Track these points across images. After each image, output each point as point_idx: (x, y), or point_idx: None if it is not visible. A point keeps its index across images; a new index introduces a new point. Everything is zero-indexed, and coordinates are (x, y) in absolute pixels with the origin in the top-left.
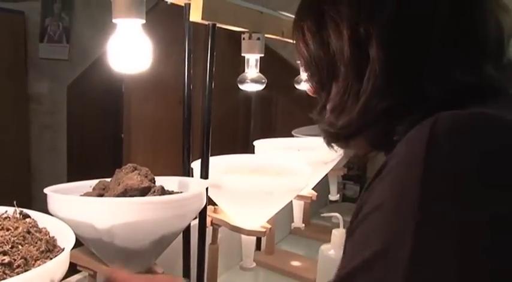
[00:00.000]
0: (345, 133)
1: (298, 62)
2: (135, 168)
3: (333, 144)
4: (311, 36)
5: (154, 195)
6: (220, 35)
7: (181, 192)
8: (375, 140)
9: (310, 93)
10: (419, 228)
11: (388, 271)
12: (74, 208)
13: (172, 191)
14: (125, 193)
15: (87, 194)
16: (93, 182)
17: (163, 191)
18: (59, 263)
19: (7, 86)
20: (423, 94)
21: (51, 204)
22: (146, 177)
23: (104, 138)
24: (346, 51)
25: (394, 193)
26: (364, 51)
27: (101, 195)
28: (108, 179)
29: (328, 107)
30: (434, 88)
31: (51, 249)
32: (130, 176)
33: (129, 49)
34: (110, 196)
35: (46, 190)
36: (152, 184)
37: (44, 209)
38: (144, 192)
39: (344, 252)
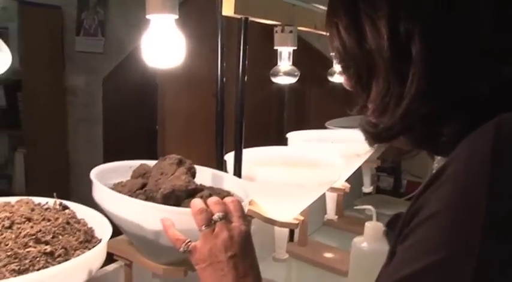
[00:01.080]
0: (387, 135)
1: (334, 59)
2: (180, 161)
3: (374, 143)
4: (347, 34)
5: (202, 200)
6: (254, 28)
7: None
8: (418, 140)
9: (348, 88)
10: (487, 239)
11: (453, 280)
12: (122, 206)
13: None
14: (172, 193)
15: (130, 185)
16: (133, 163)
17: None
18: (97, 253)
19: (45, 80)
20: (470, 93)
21: (98, 195)
22: (190, 170)
23: (139, 130)
24: (386, 51)
25: (458, 202)
26: (406, 52)
27: (144, 185)
28: (149, 162)
29: (369, 106)
30: (482, 86)
31: (89, 239)
32: (178, 176)
33: (162, 45)
34: (154, 191)
35: (92, 176)
36: (199, 186)
37: (83, 199)
38: (190, 193)
39: (390, 257)
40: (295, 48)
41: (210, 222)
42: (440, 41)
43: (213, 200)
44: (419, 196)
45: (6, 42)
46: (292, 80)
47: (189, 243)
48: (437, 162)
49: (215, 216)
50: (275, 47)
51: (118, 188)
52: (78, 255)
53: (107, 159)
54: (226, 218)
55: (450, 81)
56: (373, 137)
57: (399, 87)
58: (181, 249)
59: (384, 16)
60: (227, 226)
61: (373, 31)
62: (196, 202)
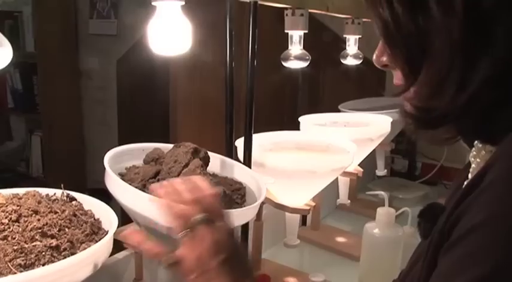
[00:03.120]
0: (440, 121)
1: (379, 33)
2: (195, 151)
3: (420, 129)
4: (401, 6)
5: None
6: (270, 12)
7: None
8: (469, 129)
9: (380, 67)
10: None
11: None
12: (136, 201)
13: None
14: None
15: (143, 173)
16: (146, 146)
17: (224, 195)
18: (103, 247)
19: (60, 63)
20: None
21: (111, 185)
22: (204, 160)
23: (153, 112)
24: (457, 32)
25: (494, 215)
26: (482, 34)
27: (157, 172)
28: (163, 146)
29: (418, 90)
30: None
31: (96, 231)
32: (192, 169)
33: (168, 32)
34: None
35: (106, 160)
36: (214, 181)
37: (99, 181)
38: None
39: (431, 266)
40: (306, 31)
41: (190, 226)
42: None
43: (187, 196)
44: (461, 199)
45: (20, 25)
46: (303, 64)
47: (172, 255)
48: (477, 150)
49: (195, 219)
50: (286, 31)
51: (131, 174)
52: (84, 248)
53: (122, 141)
54: (207, 218)
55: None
56: (421, 122)
57: (465, 71)
58: (165, 263)
59: None
60: (211, 228)
61: (443, 6)
62: (170, 204)
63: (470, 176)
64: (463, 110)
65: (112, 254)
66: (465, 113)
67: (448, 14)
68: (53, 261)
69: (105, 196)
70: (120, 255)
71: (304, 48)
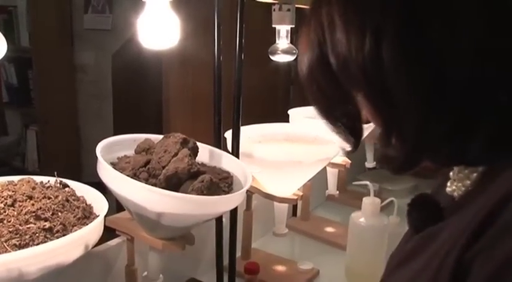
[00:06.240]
0: (409, 166)
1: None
2: (184, 141)
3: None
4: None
5: (203, 184)
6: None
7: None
8: (445, 161)
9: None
10: None
11: None
12: (127, 188)
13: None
14: (175, 175)
15: (134, 162)
16: (137, 137)
17: (211, 182)
18: (94, 229)
19: (55, 57)
20: (492, 102)
21: (103, 173)
22: (193, 150)
23: (146, 105)
24: (362, 63)
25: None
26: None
27: (148, 161)
28: (153, 137)
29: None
30: (502, 94)
31: (87, 216)
32: (181, 158)
33: (156, 26)
34: (157, 168)
35: (98, 150)
36: (201, 169)
37: (94, 175)
38: (192, 176)
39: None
40: (293, 26)
41: None
42: (416, 44)
43: None
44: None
45: (15, 20)
46: (290, 58)
47: None
48: (458, 169)
49: None
50: (273, 25)
51: (122, 163)
52: (76, 230)
53: (117, 134)
54: None
55: (456, 92)
56: (395, 170)
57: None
58: None
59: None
60: None
61: (345, 45)
62: None
63: (455, 189)
64: (419, 152)
65: (105, 240)
66: (425, 153)
67: (350, 49)
68: (46, 242)
69: (100, 189)
70: (113, 242)
71: (295, 41)
